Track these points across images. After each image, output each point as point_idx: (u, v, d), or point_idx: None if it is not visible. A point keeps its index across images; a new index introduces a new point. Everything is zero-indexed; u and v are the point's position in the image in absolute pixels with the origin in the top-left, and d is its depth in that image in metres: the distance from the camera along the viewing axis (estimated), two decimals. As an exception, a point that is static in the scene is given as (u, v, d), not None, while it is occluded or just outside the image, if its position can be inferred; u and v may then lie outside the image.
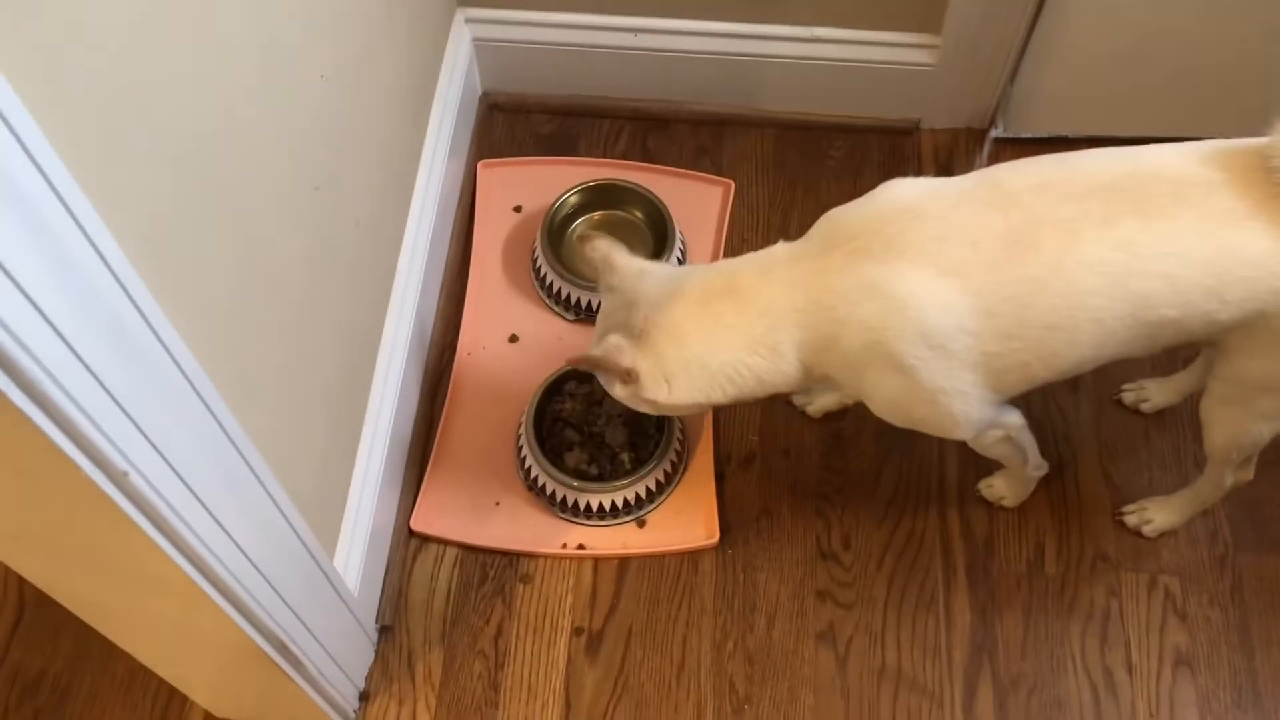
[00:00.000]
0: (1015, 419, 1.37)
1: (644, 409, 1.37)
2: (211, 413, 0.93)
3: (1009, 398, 1.32)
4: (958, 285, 1.17)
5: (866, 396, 1.31)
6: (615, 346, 1.29)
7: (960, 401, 1.25)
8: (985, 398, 1.26)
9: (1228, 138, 1.18)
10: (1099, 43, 1.76)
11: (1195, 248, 1.14)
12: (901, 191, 1.25)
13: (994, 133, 1.95)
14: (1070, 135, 1.92)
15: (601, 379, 1.38)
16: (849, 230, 1.24)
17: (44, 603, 1.50)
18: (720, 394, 1.31)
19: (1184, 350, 1.70)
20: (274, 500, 1.10)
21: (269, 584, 1.10)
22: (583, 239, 1.39)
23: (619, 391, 1.34)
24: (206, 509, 0.94)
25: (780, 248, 1.30)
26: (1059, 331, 1.19)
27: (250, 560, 1.04)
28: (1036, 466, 1.54)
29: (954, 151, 1.95)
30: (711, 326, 1.27)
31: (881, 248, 1.20)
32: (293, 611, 1.18)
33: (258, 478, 1.05)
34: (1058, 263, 1.16)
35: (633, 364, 1.28)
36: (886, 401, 1.29)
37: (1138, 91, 1.84)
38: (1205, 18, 1.68)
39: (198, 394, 0.90)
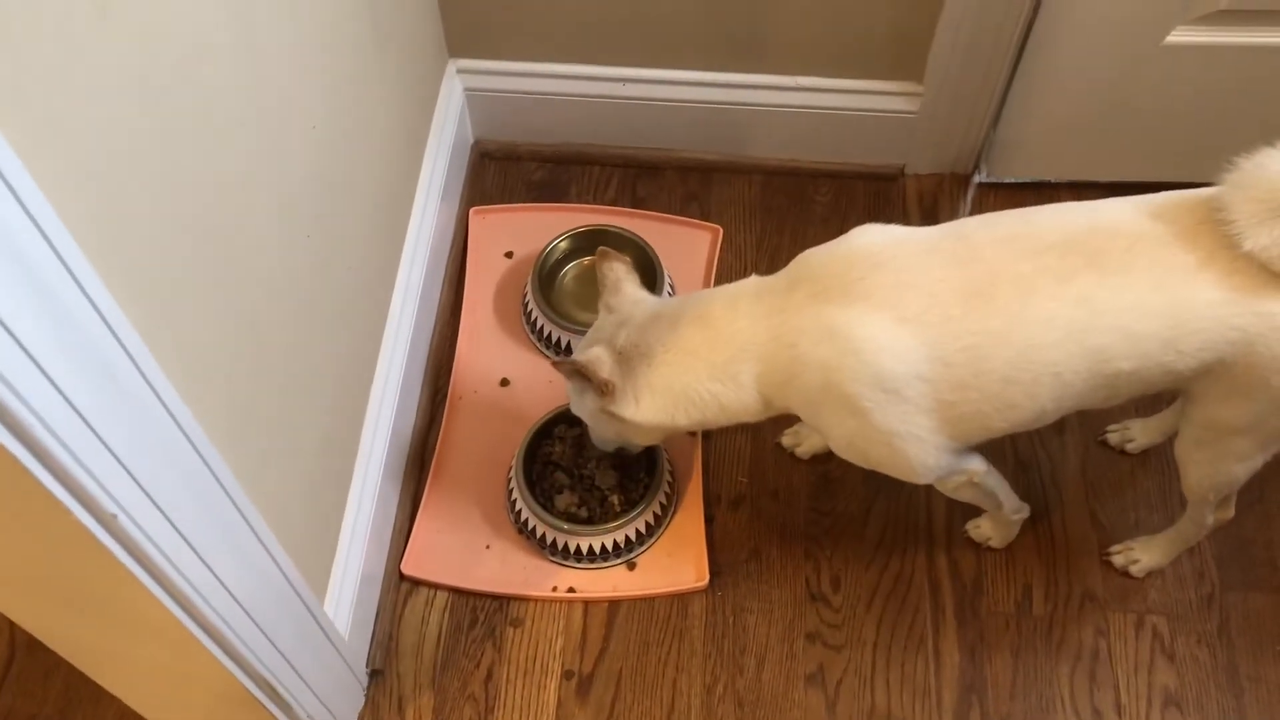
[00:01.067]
0: (977, 465, 1.38)
1: (605, 429, 1.44)
2: (200, 456, 0.95)
3: (970, 445, 1.33)
4: (914, 333, 1.19)
5: (825, 435, 1.35)
6: (597, 358, 1.34)
7: (915, 446, 1.26)
8: (942, 444, 1.27)
9: (1205, 179, 1.20)
10: (1077, 90, 1.79)
11: (1149, 301, 1.16)
12: (871, 238, 1.27)
13: (977, 178, 1.98)
14: (1053, 180, 1.95)
15: (572, 390, 1.43)
16: (816, 271, 1.27)
17: (35, 647, 1.51)
18: (684, 417, 1.34)
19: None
20: (263, 544, 1.11)
21: (258, 627, 1.11)
22: (603, 255, 1.43)
23: (588, 404, 1.39)
24: (195, 552, 0.95)
25: (751, 281, 1.34)
26: (1016, 385, 1.20)
27: (239, 603, 1.05)
28: (1015, 510, 1.55)
29: (938, 196, 1.98)
30: (680, 352, 1.31)
31: (843, 291, 1.23)
32: (282, 655, 1.18)
33: (247, 521, 1.06)
34: (1015, 317, 1.18)
35: (610, 376, 1.33)
36: (843, 441, 1.31)
37: (1117, 137, 1.87)
38: (1174, 70, 1.72)
39: (186, 437, 0.92)
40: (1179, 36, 1.67)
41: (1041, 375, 1.19)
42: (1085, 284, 1.17)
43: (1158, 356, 1.18)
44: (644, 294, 1.42)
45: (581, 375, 1.35)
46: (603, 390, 1.34)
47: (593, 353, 1.35)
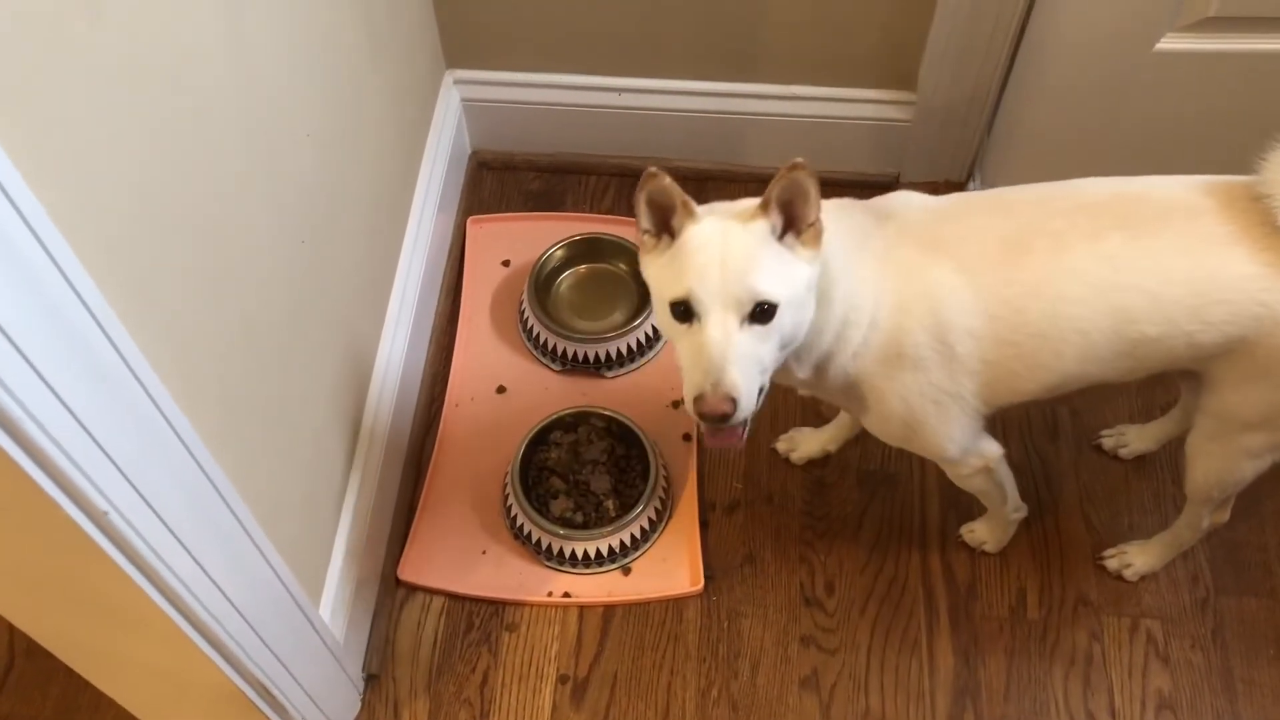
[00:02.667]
0: (995, 449, 1.38)
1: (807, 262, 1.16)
2: (193, 456, 0.96)
3: (996, 408, 1.31)
4: (969, 284, 1.19)
5: (876, 396, 1.28)
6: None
7: (957, 409, 1.26)
8: (976, 412, 1.28)
9: None
10: (1070, 97, 1.80)
11: (1177, 266, 1.16)
12: (912, 198, 1.28)
13: (972, 185, 1.99)
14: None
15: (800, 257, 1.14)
16: (899, 208, 1.26)
17: (34, 652, 1.52)
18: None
19: (1164, 395, 1.73)
20: (256, 544, 1.12)
21: (250, 627, 1.12)
22: (652, 176, 1.13)
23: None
24: (187, 550, 0.96)
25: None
26: (1046, 341, 1.20)
27: (231, 602, 1.06)
28: (1016, 508, 1.55)
29: (933, 204, 1.98)
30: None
31: (917, 237, 1.23)
32: (275, 656, 1.19)
33: (239, 521, 1.07)
34: (1047, 270, 1.19)
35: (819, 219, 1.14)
36: (887, 400, 1.26)
37: (1110, 143, 1.88)
38: (1164, 76, 1.73)
39: (179, 437, 0.93)
40: (1169, 44, 1.68)
41: (1068, 332, 1.20)
42: (1114, 243, 1.17)
43: (1182, 324, 1.17)
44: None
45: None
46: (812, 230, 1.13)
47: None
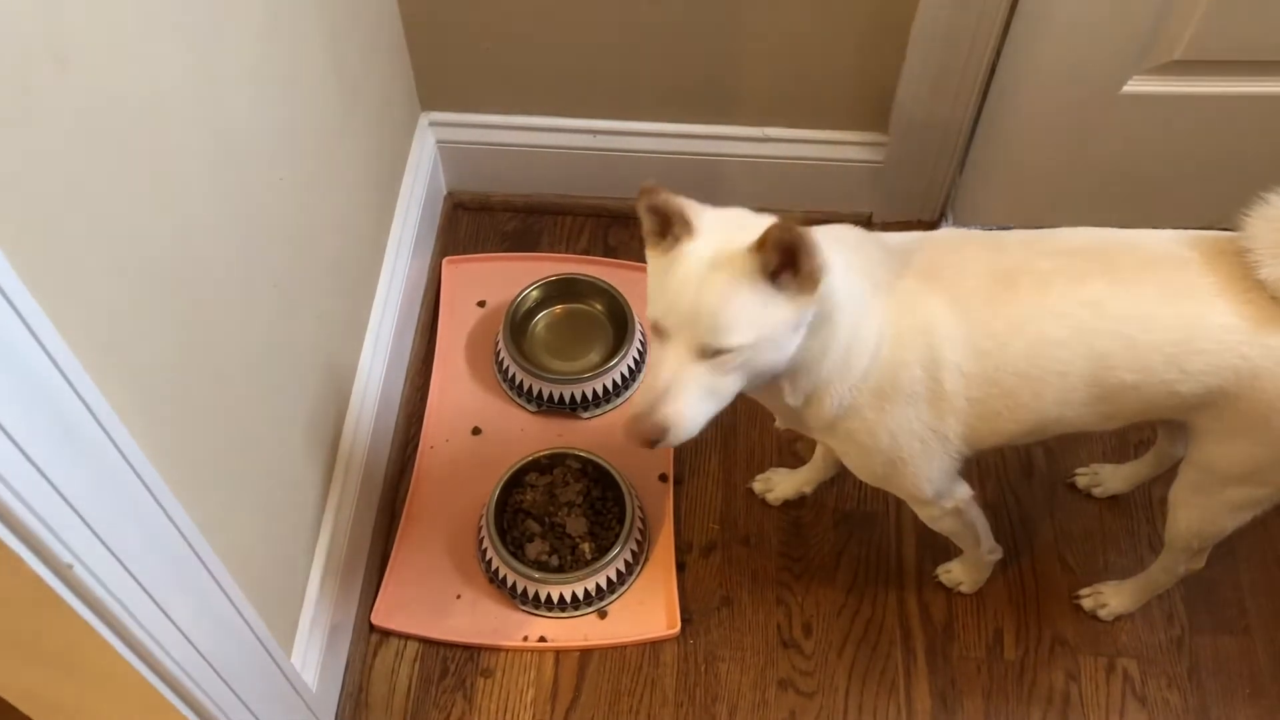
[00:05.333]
0: (965, 491, 1.38)
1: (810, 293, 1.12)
2: (160, 505, 0.95)
3: (975, 449, 1.30)
4: (960, 318, 1.20)
5: (866, 430, 1.26)
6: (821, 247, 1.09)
7: (939, 449, 1.26)
8: (956, 453, 1.28)
9: (1167, 226, 1.23)
10: (1039, 139, 1.83)
11: (1158, 314, 1.17)
12: (903, 235, 1.29)
13: (944, 224, 2.01)
14: (1019, 227, 1.97)
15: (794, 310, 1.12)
16: (893, 246, 1.27)
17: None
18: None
19: (1137, 434, 1.74)
20: (227, 595, 1.10)
21: (222, 680, 1.10)
22: (648, 191, 1.14)
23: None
24: (155, 603, 0.94)
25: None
26: (1027, 380, 1.21)
27: (202, 655, 1.04)
28: (990, 550, 1.55)
29: (906, 244, 2.00)
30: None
31: (904, 265, 1.23)
32: (247, 708, 1.17)
33: (209, 571, 1.06)
34: (1031, 308, 1.19)
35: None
36: (876, 435, 1.25)
37: (1079, 185, 1.91)
38: (1132, 118, 1.75)
39: (146, 487, 0.92)
40: (1136, 86, 1.71)
41: (1048, 373, 1.20)
42: (1097, 287, 1.18)
43: (1159, 371, 1.18)
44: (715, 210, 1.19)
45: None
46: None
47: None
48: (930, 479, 1.31)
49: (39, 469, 0.76)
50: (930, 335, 1.20)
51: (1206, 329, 1.16)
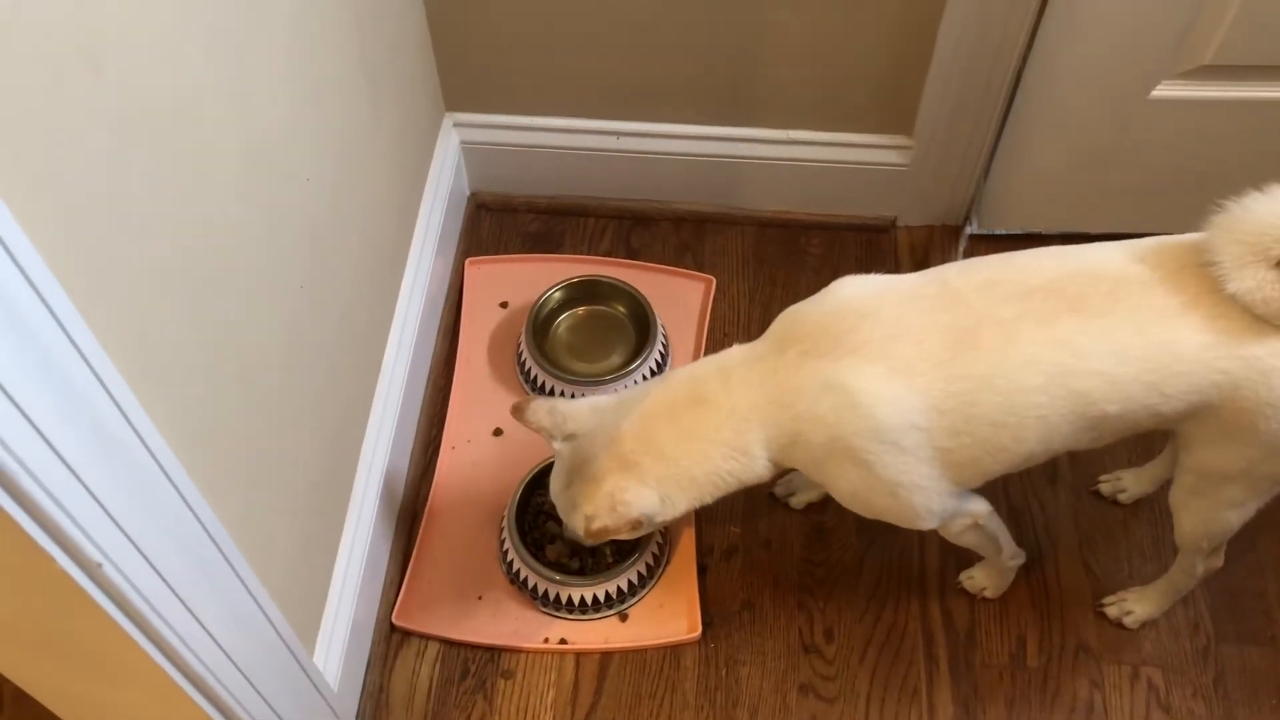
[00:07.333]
0: (980, 506, 1.38)
1: (630, 535, 1.41)
2: (187, 504, 0.95)
3: (970, 488, 1.33)
4: (907, 383, 1.20)
5: (830, 488, 1.34)
6: (617, 498, 1.30)
7: (919, 495, 1.27)
8: (944, 489, 1.28)
9: (1189, 230, 1.21)
10: (1066, 143, 1.81)
11: (1132, 345, 1.16)
12: (853, 290, 1.28)
13: (969, 229, 2.00)
14: (1044, 231, 1.97)
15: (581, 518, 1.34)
16: (803, 328, 1.28)
17: (21, 698, 1.49)
18: (709, 498, 1.34)
19: (1157, 439, 1.72)
20: (251, 593, 1.11)
21: (245, 678, 1.10)
22: (517, 409, 1.38)
23: (604, 522, 1.31)
24: (181, 601, 0.95)
25: (736, 351, 1.33)
26: (1004, 428, 1.21)
27: (225, 653, 1.05)
28: (1013, 556, 1.54)
29: (930, 248, 1.99)
30: (688, 439, 1.30)
31: (833, 345, 1.23)
32: (269, 706, 1.18)
33: (234, 570, 1.06)
34: (999, 362, 1.19)
35: (638, 505, 1.30)
36: (848, 493, 1.31)
37: (1107, 189, 1.89)
38: (1161, 123, 1.74)
39: (174, 486, 0.92)
40: (1165, 91, 1.70)
41: (1027, 419, 1.20)
42: (1067, 328, 1.17)
43: (1141, 399, 1.18)
44: (589, 400, 1.39)
45: (617, 526, 1.31)
46: (637, 527, 1.33)
47: (610, 496, 1.30)
48: (920, 515, 1.31)
49: (70, 468, 0.76)
50: (859, 409, 1.21)
51: (1182, 351, 1.15)
